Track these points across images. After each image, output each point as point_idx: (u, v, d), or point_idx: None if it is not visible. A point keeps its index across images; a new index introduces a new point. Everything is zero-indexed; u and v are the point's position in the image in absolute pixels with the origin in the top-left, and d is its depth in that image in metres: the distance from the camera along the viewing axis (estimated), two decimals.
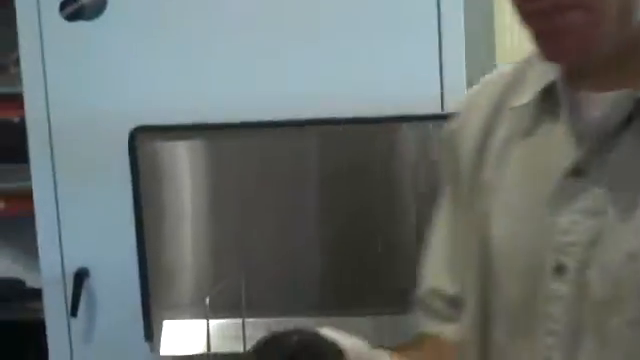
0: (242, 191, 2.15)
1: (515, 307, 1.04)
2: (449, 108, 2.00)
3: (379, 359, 1.09)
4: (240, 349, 1.96)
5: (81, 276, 2.17)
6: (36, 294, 2.40)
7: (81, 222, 2.19)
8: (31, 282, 2.78)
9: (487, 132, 1.10)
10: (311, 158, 2.15)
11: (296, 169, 2.15)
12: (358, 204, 2.11)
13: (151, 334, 2.15)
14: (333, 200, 2.13)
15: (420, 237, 1.27)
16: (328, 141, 2.12)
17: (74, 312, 2.17)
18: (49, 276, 2.21)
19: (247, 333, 1.98)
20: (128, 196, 2.12)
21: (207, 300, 1.69)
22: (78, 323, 2.20)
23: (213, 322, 1.96)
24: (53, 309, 2.22)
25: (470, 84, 1.69)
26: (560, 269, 0.99)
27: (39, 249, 2.21)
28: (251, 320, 2.00)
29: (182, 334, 2.14)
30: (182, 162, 2.12)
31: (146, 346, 2.16)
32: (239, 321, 2.04)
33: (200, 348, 2.08)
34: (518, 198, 1.05)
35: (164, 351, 2.13)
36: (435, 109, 2.06)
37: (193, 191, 2.14)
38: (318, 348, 0.97)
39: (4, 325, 2.87)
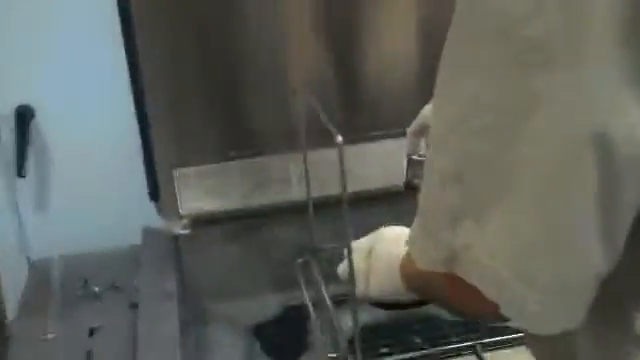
0: None
1: None
2: None
3: None
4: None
5: (24, 117, 1.53)
6: None
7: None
8: None
9: None
10: None
11: None
12: None
13: (156, 191, 1.52)
14: None
15: None
16: None
17: (20, 170, 1.56)
18: None
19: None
20: None
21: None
22: (27, 186, 1.60)
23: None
24: None
25: None
26: None
27: None
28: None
29: (202, 186, 1.51)
30: None
31: (144, 212, 1.57)
32: None
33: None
34: None
35: (185, 210, 1.49)
36: None
37: None
38: None
39: None
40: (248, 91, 1.53)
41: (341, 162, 0.98)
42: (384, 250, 1.10)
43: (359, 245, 1.13)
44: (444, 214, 0.76)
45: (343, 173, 0.99)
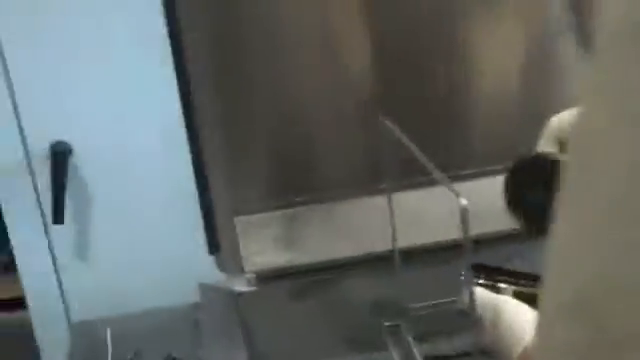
0: None
1: None
2: None
3: None
4: None
5: (60, 155, 1.35)
6: None
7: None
8: None
9: None
10: None
11: None
12: None
13: (215, 242, 1.33)
14: None
15: None
16: None
17: (58, 217, 1.36)
18: (9, 156, 1.35)
19: None
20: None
21: None
22: (65, 235, 1.39)
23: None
24: (21, 214, 1.38)
25: None
26: None
27: None
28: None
29: (267, 236, 1.32)
30: None
31: (201, 266, 1.39)
32: None
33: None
34: None
35: (249, 264, 1.30)
36: None
37: None
38: None
39: None
40: (317, 127, 1.37)
41: (465, 226, 0.79)
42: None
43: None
44: (564, 357, 0.59)
45: (467, 235, 0.81)
